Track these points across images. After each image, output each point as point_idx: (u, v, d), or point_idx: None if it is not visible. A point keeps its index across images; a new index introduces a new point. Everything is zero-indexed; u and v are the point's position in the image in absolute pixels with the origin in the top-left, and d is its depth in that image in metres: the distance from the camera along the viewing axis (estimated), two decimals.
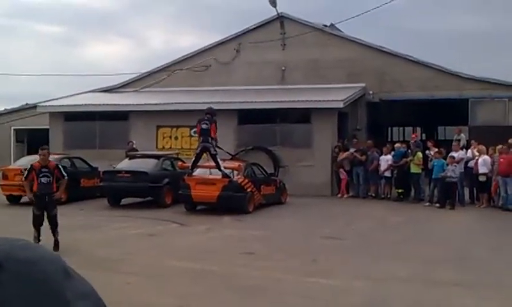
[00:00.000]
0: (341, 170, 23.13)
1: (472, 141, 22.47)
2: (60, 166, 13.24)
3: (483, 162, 20.34)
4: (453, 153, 21.10)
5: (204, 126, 18.64)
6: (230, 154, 21.00)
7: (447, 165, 20.27)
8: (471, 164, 20.87)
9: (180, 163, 20.96)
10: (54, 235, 12.43)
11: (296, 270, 10.69)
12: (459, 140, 23.84)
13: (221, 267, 10.85)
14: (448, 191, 20.07)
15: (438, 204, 20.25)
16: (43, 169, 12.65)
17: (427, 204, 20.61)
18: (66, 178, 13.02)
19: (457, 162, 20.49)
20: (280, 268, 10.88)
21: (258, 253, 12.28)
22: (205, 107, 19.83)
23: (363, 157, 22.74)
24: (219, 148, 19.05)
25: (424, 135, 39.33)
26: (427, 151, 22.08)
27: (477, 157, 20.68)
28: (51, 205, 12.56)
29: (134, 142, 24.47)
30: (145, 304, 8.42)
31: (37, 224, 12.54)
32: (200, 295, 9.08)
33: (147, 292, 9.16)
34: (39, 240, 12.12)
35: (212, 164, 18.74)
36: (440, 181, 20.22)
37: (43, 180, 12.57)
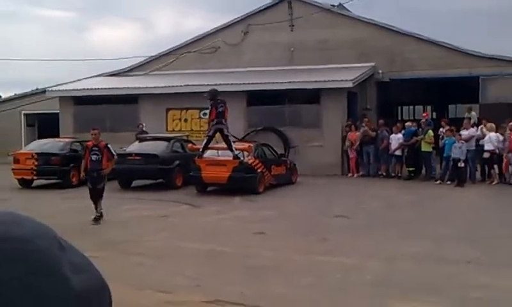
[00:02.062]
0: (350, 149, 23.08)
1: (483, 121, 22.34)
2: (109, 146, 14.30)
3: (489, 139, 20.28)
4: (463, 131, 21.03)
5: (220, 109, 18.63)
6: (236, 138, 20.94)
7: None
8: (482, 141, 20.79)
9: (190, 145, 20.99)
10: (97, 208, 13.72)
11: (307, 250, 10.72)
12: (469, 118, 23.72)
13: (232, 247, 10.89)
14: (457, 169, 20.01)
15: (448, 182, 20.21)
16: (94, 148, 14.07)
17: (438, 182, 20.56)
18: (115, 157, 14.44)
19: (466, 140, 20.40)
20: (291, 247, 10.91)
21: (269, 233, 12.32)
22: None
23: (374, 133, 22.70)
24: (228, 129, 19.03)
25: (434, 113, 39.18)
26: (440, 130, 21.96)
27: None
28: (99, 180, 13.87)
29: (144, 124, 24.50)
30: (158, 284, 8.47)
31: (92, 196, 13.91)
32: (211, 275, 9.12)
33: (159, 273, 9.21)
34: (96, 211, 13.73)
35: (222, 145, 18.75)
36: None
37: (93, 157, 13.98)
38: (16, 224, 0.84)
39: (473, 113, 24.96)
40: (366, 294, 8.05)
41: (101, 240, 11.50)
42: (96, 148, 14.05)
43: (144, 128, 24.14)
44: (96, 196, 13.86)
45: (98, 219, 13.67)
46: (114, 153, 14.37)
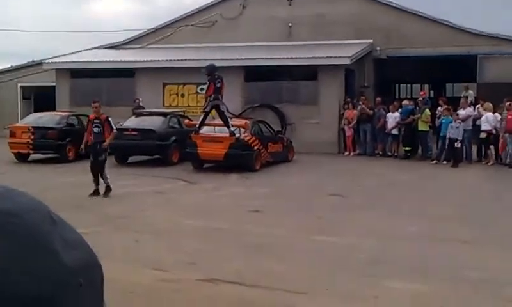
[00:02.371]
0: (346, 127, 23.06)
1: (480, 100, 22.31)
2: (110, 119, 14.49)
3: (486, 119, 20.30)
4: (460, 111, 21.01)
5: (218, 85, 18.51)
6: (233, 114, 20.87)
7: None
8: (479, 121, 20.78)
9: (186, 121, 20.93)
10: (104, 181, 13.99)
11: (302, 228, 10.77)
12: (466, 97, 23.68)
13: (228, 225, 10.93)
14: (454, 149, 20.03)
15: (445, 162, 20.25)
16: (96, 120, 14.40)
17: (435, 162, 20.58)
18: (115, 130, 14.62)
19: (463, 120, 20.39)
20: (286, 225, 10.95)
21: (266, 211, 12.35)
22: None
23: (371, 112, 22.68)
24: (224, 105, 18.96)
25: (432, 92, 39.10)
26: (438, 109, 21.92)
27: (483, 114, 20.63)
28: (100, 152, 14.12)
29: (141, 99, 24.41)
30: (153, 261, 8.50)
31: (92, 169, 14.19)
32: (207, 252, 9.16)
33: (155, 249, 9.24)
34: (97, 184, 13.96)
35: (219, 121, 18.69)
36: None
37: (95, 130, 14.31)
38: (5, 198, 0.82)
39: (470, 92, 24.91)
40: (360, 273, 8.10)
41: (96, 216, 11.52)
42: (98, 121, 14.36)
43: (140, 103, 24.04)
44: (96, 169, 14.09)
45: (108, 191, 13.94)
46: (113, 126, 14.58)
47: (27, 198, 0.85)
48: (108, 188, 14.00)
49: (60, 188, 14.67)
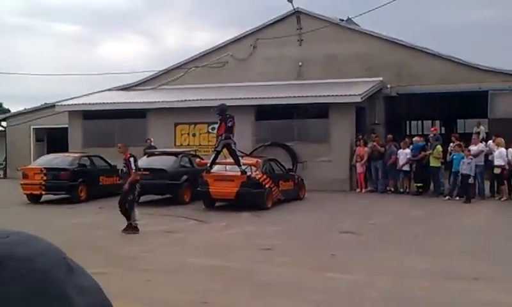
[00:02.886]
0: (358, 164, 23.04)
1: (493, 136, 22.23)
2: (131, 159, 14.86)
3: (499, 155, 20.22)
4: (471, 146, 20.95)
5: (230, 124, 18.61)
6: (244, 153, 20.92)
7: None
8: (491, 157, 20.69)
9: (198, 160, 21.00)
10: (128, 219, 14.34)
11: (315, 266, 10.69)
12: (478, 132, 23.62)
13: (240, 263, 10.87)
14: (465, 185, 19.91)
15: (457, 198, 20.12)
16: (123, 161, 15.13)
17: (447, 198, 20.46)
18: (133, 170, 14.74)
19: (474, 156, 20.31)
20: (299, 263, 10.88)
21: (277, 249, 12.28)
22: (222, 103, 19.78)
23: (383, 149, 22.66)
24: (235, 144, 19.01)
25: (443, 128, 39.05)
26: (450, 144, 21.84)
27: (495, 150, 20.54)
28: (125, 191, 14.61)
29: (152, 139, 24.54)
30: (165, 300, 8.46)
31: (119, 206, 14.64)
32: (219, 291, 9.10)
33: (167, 289, 9.20)
34: (128, 219, 14.36)
35: (230, 160, 18.73)
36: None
37: (124, 169, 15.21)
38: (22, 243, 0.84)
39: (481, 128, 24.87)
40: None
41: (109, 256, 11.51)
42: (124, 161, 15.02)
43: (152, 143, 24.17)
44: (123, 207, 14.47)
45: (130, 230, 14.18)
46: (133, 167, 14.73)
47: (43, 243, 0.87)
48: (130, 226, 14.27)
49: (72, 229, 14.69)
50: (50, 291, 0.81)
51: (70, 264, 0.86)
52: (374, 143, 22.87)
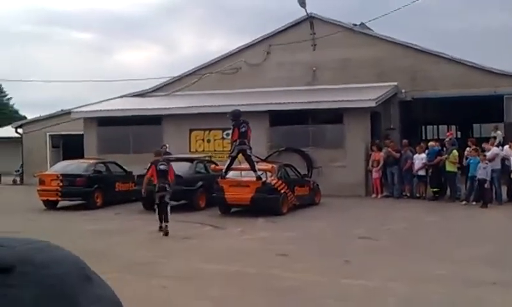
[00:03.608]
0: (373, 169, 22.98)
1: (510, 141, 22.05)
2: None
3: None
4: (487, 151, 20.79)
5: (243, 129, 18.57)
6: (260, 158, 20.95)
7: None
8: (508, 162, 20.53)
9: (213, 166, 21.03)
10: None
11: (330, 271, 10.65)
12: (494, 137, 23.46)
13: (256, 269, 10.86)
14: (482, 190, 19.78)
15: (474, 203, 19.99)
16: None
17: (464, 203, 20.33)
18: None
19: (490, 160, 20.16)
20: (314, 269, 10.85)
21: (293, 255, 12.27)
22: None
23: (398, 154, 22.58)
24: (251, 149, 19.00)
25: (459, 133, 38.85)
26: (467, 149, 21.69)
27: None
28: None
29: (167, 145, 24.61)
30: None
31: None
32: (235, 298, 9.10)
33: (183, 295, 9.21)
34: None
35: (245, 166, 18.74)
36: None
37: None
38: (41, 250, 0.87)
39: (498, 132, 24.71)
40: None
41: (124, 262, 11.54)
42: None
43: (167, 149, 24.24)
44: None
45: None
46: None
47: (62, 252, 0.89)
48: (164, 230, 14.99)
49: (88, 235, 14.76)
50: (62, 297, 0.82)
51: (88, 274, 0.88)
52: (389, 149, 22.79)
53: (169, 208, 15.32)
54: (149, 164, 16.15)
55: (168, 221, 14.95)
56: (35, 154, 31.78)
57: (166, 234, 14.67)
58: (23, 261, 0.83)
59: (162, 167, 15.67)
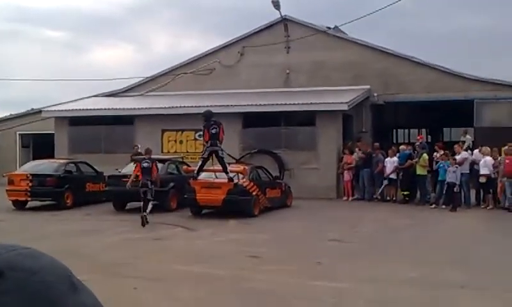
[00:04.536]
0: (345, 172, 23.12)
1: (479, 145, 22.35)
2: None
3: (484, 164, 20.33)
4: (456, 155, 21.04)
5: (214, 131, 18.47)
6: (234, 158, 20.97)
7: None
8: (477, 166, 20.79)
9: (185, 167, 20.96)
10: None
11: (301, 273, 10.68)
12: (463, 141, 23.77)
13: (226, 271, 10.84)
14: (451, 193, 20.02)
15: (443, 207, 20.22)
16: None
17: (433, 206, 20.56)
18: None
19: (459, 164, 20.41)
20: (285, 271, 10.87)
21: (264, 257, 12.27)
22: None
23: (363, 155, 22.76)
24: (223, 151, 18.95)
25: (429, 136, 39.24)
26: (434, 153, 21.95)
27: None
28: None
29: (139, 146, 24.43)
30: None
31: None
32: (205, 299, 9.08)
33: (153, 297, 9.16)
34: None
35: (217, 167, 18.68)
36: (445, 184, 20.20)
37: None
38: (29, 257, 0.87)
39: (468, 137, 25.02)
40: None
41: (95, 263, 11.44)
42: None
43: (139, 150, 24.06)
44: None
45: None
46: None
47: (50, 259, 0.90)
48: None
49: (57, 236, 14.60)
50: (49, 304, 0.83)
51: (74, 281, 0.89)
52: (359, 153, 22.99)
53: (150, 204, 16.81)
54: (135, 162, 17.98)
55: (145, 212, 16.41)
56: (4, 153, 31.35)
57: (143, 224, 15.98)
58: (11, 268, 0.83)
59: (145, 164, 17.16)
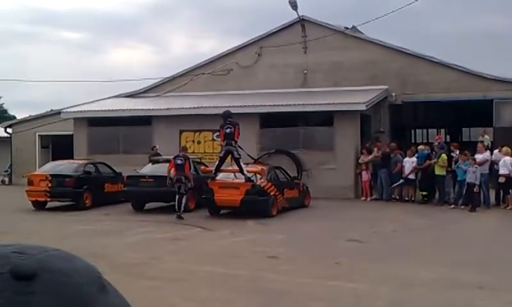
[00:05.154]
0: (363, 172, 23.06)
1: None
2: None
3: (503, 164, 20.15)
4: (477, 155, 20.89)
5: (228, 130, 18.59)
6: (253, 158, 21.01)
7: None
8: (497, 166, 20.63)
9: (203, 167, 21.02)
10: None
11: (319, 274, 10.67)
12: (482, 141, 23.59)
13: (245, 271, 10.86)
14: (471, 194, 19.87)
15: (462, 207, 20.08)
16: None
17: (452, 206, 20.42)
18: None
19: (480, 164, 20.26)
20: (303, 271, 10.86)
21: (282, 257, 12.28)
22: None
23: (378, 155, 22.67)
24: (241, 148, 18.98)
25: (448, 136, 39.02)
26: (451, 154, 21.83)
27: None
28: None
29: (157, 146, 24.57)
30: None
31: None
32: (224, 300, 9.10)
33: (172, 297, 9.20)
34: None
35: (236, 168, 18.74)
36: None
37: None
38: (60, 258, 0.89)
39: (486, 137, 24.84)
40: None
41: (114, 263, 11.51)
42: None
43: (157, 151, 24.19)
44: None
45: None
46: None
47: (79, 261, 0.91)
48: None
49: (77, 236, 14.70)
50: (82, 305, 0.84)
51: (103, 283, 0.90)
52: (376, 153, 22.92)
53: (185, 198, 18.14)
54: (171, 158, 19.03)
55: (180, 210, 17.83)
56: (24, 154, 31.66)
57: (179, 217, 17.69)
58: (44, 269, 0.84)
59: (179, 161, 18.39)
